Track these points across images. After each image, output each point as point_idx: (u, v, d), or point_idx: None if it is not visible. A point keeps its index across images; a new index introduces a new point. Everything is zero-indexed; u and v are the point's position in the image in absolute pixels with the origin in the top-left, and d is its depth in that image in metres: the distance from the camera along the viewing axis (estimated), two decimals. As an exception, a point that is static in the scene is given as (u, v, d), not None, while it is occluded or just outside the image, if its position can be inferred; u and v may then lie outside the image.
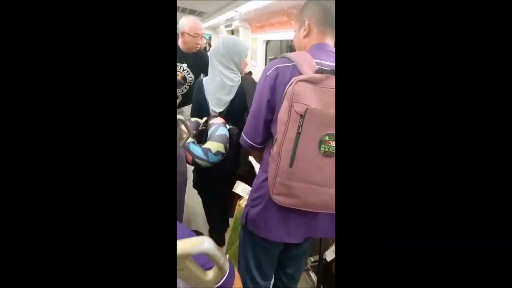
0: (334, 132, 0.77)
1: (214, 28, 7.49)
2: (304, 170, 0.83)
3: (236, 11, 4.60)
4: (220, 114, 1.58)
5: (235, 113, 1.57)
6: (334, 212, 0.87)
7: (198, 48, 2.10)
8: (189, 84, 2.16)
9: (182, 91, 2.16)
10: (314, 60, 0.88)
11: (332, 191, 0.83)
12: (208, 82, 1.58)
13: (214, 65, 1.55)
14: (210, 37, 7.47)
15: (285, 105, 0.82)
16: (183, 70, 2.11)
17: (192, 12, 5.54)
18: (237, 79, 1.55)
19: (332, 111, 0.77)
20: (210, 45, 5.73)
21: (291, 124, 0.80)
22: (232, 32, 6.43)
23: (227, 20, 5.71)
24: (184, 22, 2.03)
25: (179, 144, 1.32)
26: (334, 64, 0.88)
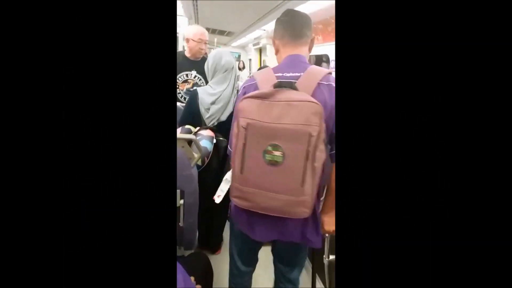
0: (277, 143, 0.85)
1: (243, 47, 7.68)
2: (252, 176, 0.91)
3: (264, 30, 4.70)
4: (212, 126, 1.63)
5: (226, 124, 1.58)
6: (290, 216, 0.93)
7: (202, 54, 2.12)
8: None
9: None
10: (277, 74, 0.98)
11: (282, 197, 0.88)
12: (204, 94, 1.63)
13: (217, 79, 1.62)
14: (239, 56, 7.62)
15: (235, 120, 0.95)
16: (195, 77, 2.12)
17: (221, 32, 5.71)
18: (230, 93, 1.62)
19: (277, 124, 0.85)
20: (243, 64, 5.79)
21: (239, 136, 0.90)
22: (260, 50, 6.55)
23: (255, 38, 5.84)
24: (188, 29, 2.10)
25: (191, 163, 1.30)
26: (295, 75, 0.96)
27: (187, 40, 2.07)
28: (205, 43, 2.10)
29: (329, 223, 1.03)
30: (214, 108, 1.62)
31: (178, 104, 1.86)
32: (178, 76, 2.09)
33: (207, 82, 2.01)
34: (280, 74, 0.97)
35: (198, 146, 1.33)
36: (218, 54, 1.67)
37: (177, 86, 2.12)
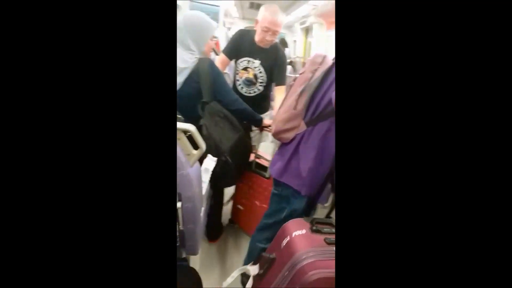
0: None
1: (289, 27, 7.19)
2: None
3: (313, 6, 4.14)
4: None
5: (184, 102, 1.31)
6: None
7: (268, 45, 1.64)
8: (261, 84, 1.74)
9: (255, 92, 1.77)
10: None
11: None
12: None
13: None
14: (282, 38, 6.91)
15: None
16: (255, 67, 1.69)
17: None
18: (191, 60, 1.29)
19: None
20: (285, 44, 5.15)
21: None
22: (307, 30, 5.98)
23: (303, 17, 5.29)
24: (261, 10, 1.61)
25: (190, 161, 1.14)
26: None
27: (256, 22, 1.62)
28: (275, 34, 1.61)
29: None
30: None
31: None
32: (239, 61, 1.71)
33: (268, 77, 1.74)
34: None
35: (198, 140, 1.13)
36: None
37: (237, 73, 1.75)
